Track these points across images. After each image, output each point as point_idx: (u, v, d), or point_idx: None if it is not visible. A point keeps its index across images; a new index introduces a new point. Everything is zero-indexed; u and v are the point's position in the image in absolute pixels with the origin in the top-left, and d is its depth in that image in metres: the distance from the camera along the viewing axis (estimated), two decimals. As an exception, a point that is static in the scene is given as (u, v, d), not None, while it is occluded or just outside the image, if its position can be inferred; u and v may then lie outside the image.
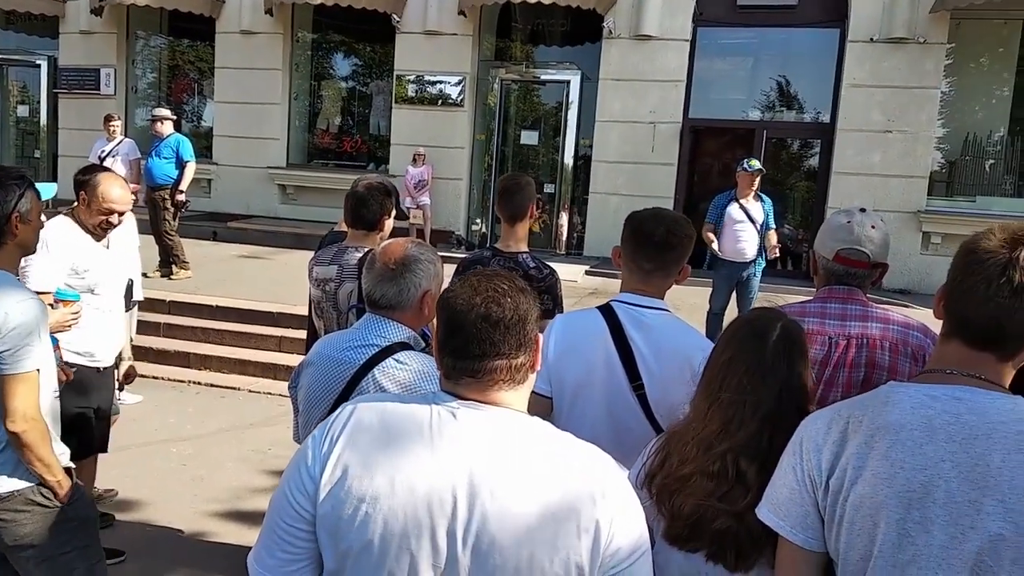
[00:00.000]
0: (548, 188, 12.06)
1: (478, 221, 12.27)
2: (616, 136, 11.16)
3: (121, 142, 9.01)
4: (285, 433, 2.06)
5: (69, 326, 3.01)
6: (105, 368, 3.48)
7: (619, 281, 2.27)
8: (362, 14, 11.54)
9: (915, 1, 9.96)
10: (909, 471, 1.24)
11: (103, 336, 3.38)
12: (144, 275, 8.12)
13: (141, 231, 6.85)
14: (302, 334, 5.54)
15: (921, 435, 1.25)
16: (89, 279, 3.24)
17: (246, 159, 12.67)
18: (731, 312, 6.87)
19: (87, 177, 3.26)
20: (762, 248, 7.00)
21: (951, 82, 10.58)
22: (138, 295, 5.37)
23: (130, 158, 8.93)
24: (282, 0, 11.73)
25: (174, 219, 8.57)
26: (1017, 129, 10.70)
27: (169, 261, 8.59)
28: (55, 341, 2.54)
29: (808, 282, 2.23)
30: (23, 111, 14.77)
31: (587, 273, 10.18)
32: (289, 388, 2.12)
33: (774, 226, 7.13)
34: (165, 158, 8.47)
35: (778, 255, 7.34)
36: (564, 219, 12.02)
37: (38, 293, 2.39)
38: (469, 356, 1.26)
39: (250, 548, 1.38)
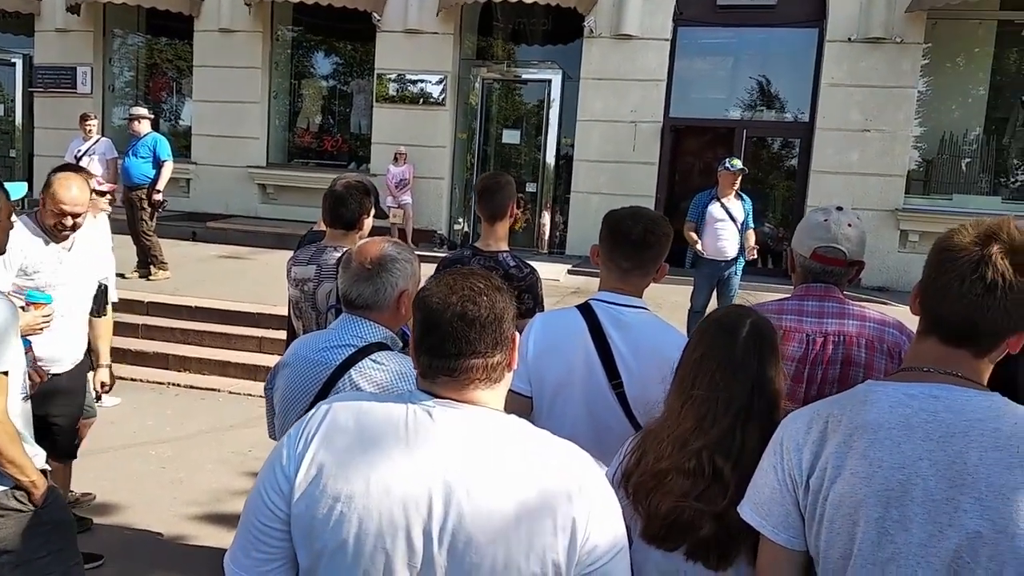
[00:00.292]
0: (530, 187, 12.06)
1: (460, 220, 12.26)
2: (597, 135, 11.18)
3: (98, 141, 8.92)
4: (265, 435, 2.04)
5: (41, 329, 2.97)
6: (61, 373, 3.36)
7: (600, 280, 2.27)
8: (342, 12, 11.48)
9: (892, 1, 10.06)
10: (887, 470, 1.24)
11: (56, 341, 3.24)
12: (122, 276, 8.11)
13: (118, 231, 6.81)
14: (282, 335, 5.50)
15: (899, 434, 1.26)
16: (38, 280, 3.16)
17: (225, 158, 12.56)
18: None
19: (48, 177, 3.22)
20: (742, 247, 7.04)
21: (928, 82, 10.70)
22: (113, 297, 5.30)
23: (107, 157, 8.83)
24: (261, -2, 11.66)
25: (151, 219, 8.48)
26: (992, 128, 10.84)
27: (147, 262, 8.50)
28: (27, 343, 2.51)
29: (788, 280, 2.24)
30: (-2, 110, 14.59)
31: (569, 272, 10.19)
32: (265, 389, 2.11)
33: (753, 225, 7.18)
34: (142, 157, 8.39)
35: (756, 256, 7.39)
36: (546, 218, 12.03)
37: None
38: (445, 355, 1.26)
39: (230, 550, 1.37)
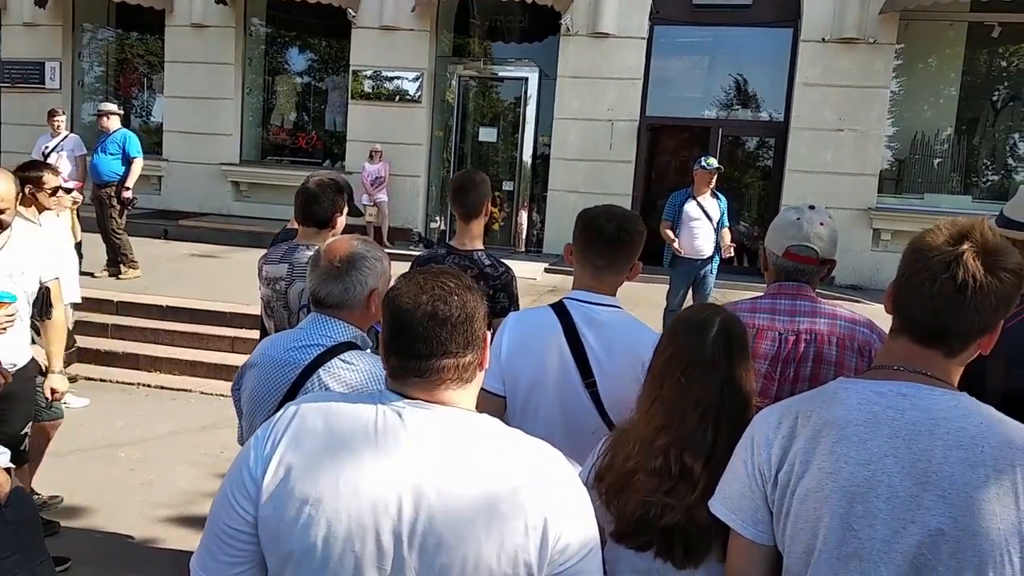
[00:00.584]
0: (507, 186, 12.05)
1: (437, 219, 12.21)
2: (574, 134, 11.19)
3: (66, 138, 8.76)
4: (237, 435, 2.03)
5: (4, 329, 2.89)
6: None
7: (578, 279, 2.25)
8: (317, 8, 11.39)
9: (865, 2, 10.17)
10: (853, 465, 1.25)
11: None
12: (91, 275, 8.00)
13: (88, 229, 6.71)
14: (255, 334, 5.43)
15: (866, 430, 1.26)
16: None
17: (198, 155, 12.42)
18: (688, 309, 6.93)
19: None
20: (718, 245, 7.08)
21: (900, 82, 10.84)
22: (74, 297, 5.21)
23: (75, 154, 8.68)
24: (234, -7, 11.54)
25: (121, 217, 8.35)
26: (963, 128, 11.01)
27: (117, 260, 8.37)
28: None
29: (763, 279, 2.25)
30: (-36, 106, 14.29)
31: (546, 271, 10.20)
32: (232, 390, 2.07)
33: (729, 224, 7.22)
34: (111, 154, 8.25)
35: (732, 254, 7.43)
36: (523, 217, 12.03)
37: None
38: (416, 355, 1.24)
39: (201, 553, 1.34)
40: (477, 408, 1.33)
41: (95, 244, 8.17)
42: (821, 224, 2.10)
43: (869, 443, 1.25)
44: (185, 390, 6.29)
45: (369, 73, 11.80)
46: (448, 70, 12.04)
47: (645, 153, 11.36)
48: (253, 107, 13.02)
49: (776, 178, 11.04)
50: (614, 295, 2.17)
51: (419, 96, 11.71)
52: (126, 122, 9.61)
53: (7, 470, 2.27)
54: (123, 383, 6.38)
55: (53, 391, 3.55)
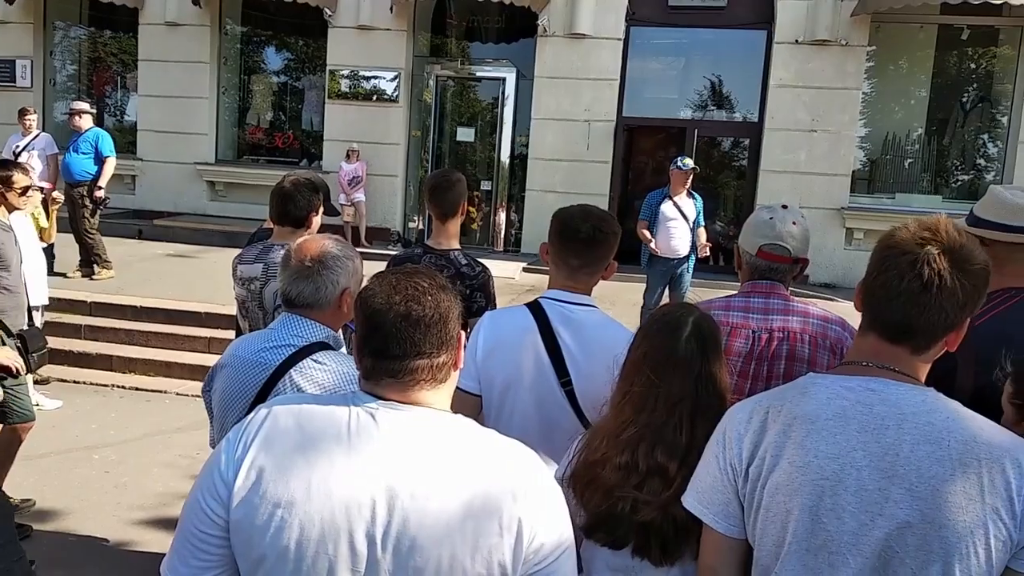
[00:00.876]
0: (485, 185, 12.05)
1: (415, 218, 12.18)
2: (552, 134, 11.21)
3: (37, 136, 8.63)
4: (213, 437, 2.02)
5: None
6: None
7: (557, 278, 2.26)
8: (293, 7, 11.32)
9: (837, 5, 10.29)
10: (823, 459, 1.27)
11: None
12: (63, 275, 7.89)
13: (61, 230, 6.60)
14: (231, 335, 5.39)
15: (835, 425, 1.28)
16: None
17: (173, 155, 12.28)
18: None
19: None
20: (694, 244, 7.14)
21: (872, 83, 10.98)
22: (41, 299, 5.15)
23: (47, 153, 8.55)
24: (209, -9, 11.43)
25: (94, 217, 8.24)
26: (933, 129, 11.18)
27: (90, 261, 8.26)
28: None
29: (738, 277, 2.28)
30: (-69, 104, 14.01)
31: (524, 270, 10.22)
32: (203, 392, 2.05)
33: (704, 223, 7.28)
34: (84, 153, 8.14)
35: (708, 253, 7.50)
36: (501, 217, 12.03)
37: None
38: (389, 356, 1.24)
39: (176, 556, 1.33)
40: (452, 408, 1.33)
41: (68, 244, 8.06)
42: (794, 223, 2.13)
43: (838, 437, 1.27)
44: (160, 391, 6.23)
45: (346, 72, 11.75)
46: (425, 70, 12.01)
47: (622, 153, 11.41)
48: (229, 106, 12.91)
49: (751, 178, 11.15)
50: (590, 294, 2.19)
51: (396, 96, 11.67)
52: (100, 121, 9.51)
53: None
54: (97, 385, 6.30)
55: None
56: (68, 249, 8.11)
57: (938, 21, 10.63)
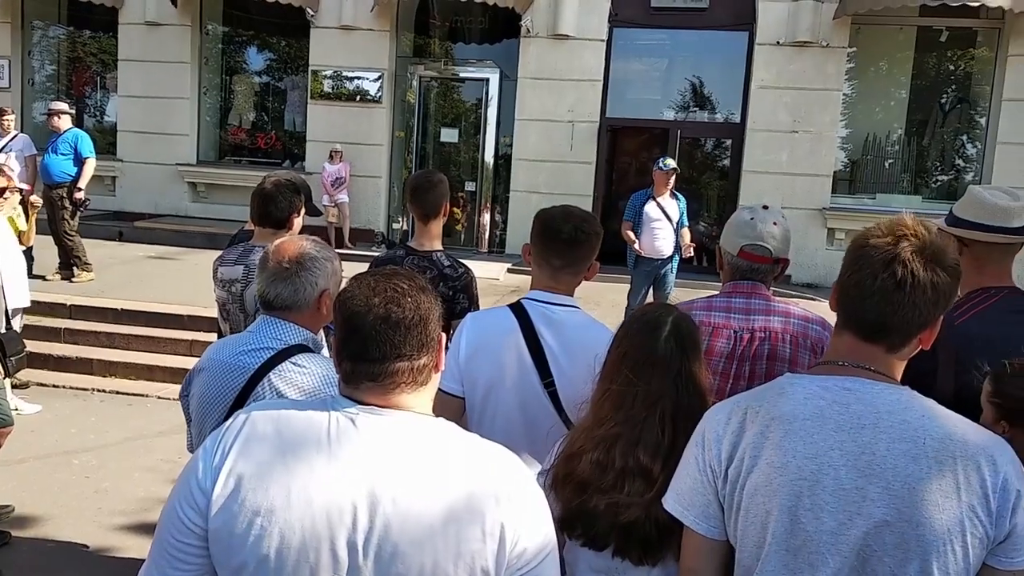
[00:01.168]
0: (469, 186, 12.04)
1: (399, 219, 12.14)
2: (535, 135, 11.22)
3: (15, 137, 8.53)
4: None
5: None
6: None
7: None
8: (275, 7, 11.25)
9: (818, 7, 10.36)
10: (800, 459, 1.27)
11: None
12: (42, 278, 7.80)
13: (40, 232, 6.54)
14: (213, 337, 5.36)
15: (812, 425, 1.29)
16: None
17: (153, 156, 12.17)
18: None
19: None
20: (678, 245, 7.18)
21: (852, 85, 11.07)
22: (23, 301, 5.09)
23: (25, 154, 8.46)
24: (189, -9, 11.34)
25: (74, 218, 8.15)
26: (913, 130, 11.30)
27: (70, 263, 8.17)
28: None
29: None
30: (-93, 104, 13.81)
31: (509, 271, 10.22)
32: (180, 396, 2.03)
33: (688, 224, 7.32)
34: (63, 154, 8.05)
35: (692, 254, 7.53)
36: (486, 217, 12.02)
37: None
38: (369, 359, 1.22)
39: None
40: (435, 410, 1.32)
41: (47, 247, 7.97)
42: (775, 224, 2.14)
43: (815, 437, 1.28)
44: (141, 395, 6.17)
45: (329, 73, 11.70)
46: (409, 70, 11.98)
47: (606, 154, 11.43)
48: (210, 107, 12.81)
49: (733, 179, 11.21)
50: (572, 295, 2.19)
51: (380, 96, 11.64)
52: (79, 122, 9.40)
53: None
54: (77, 388, 6.23)
55: None
56: (47, 251, 8.02)
57: (917, 23, 10.74)
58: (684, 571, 1.43)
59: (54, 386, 6.20)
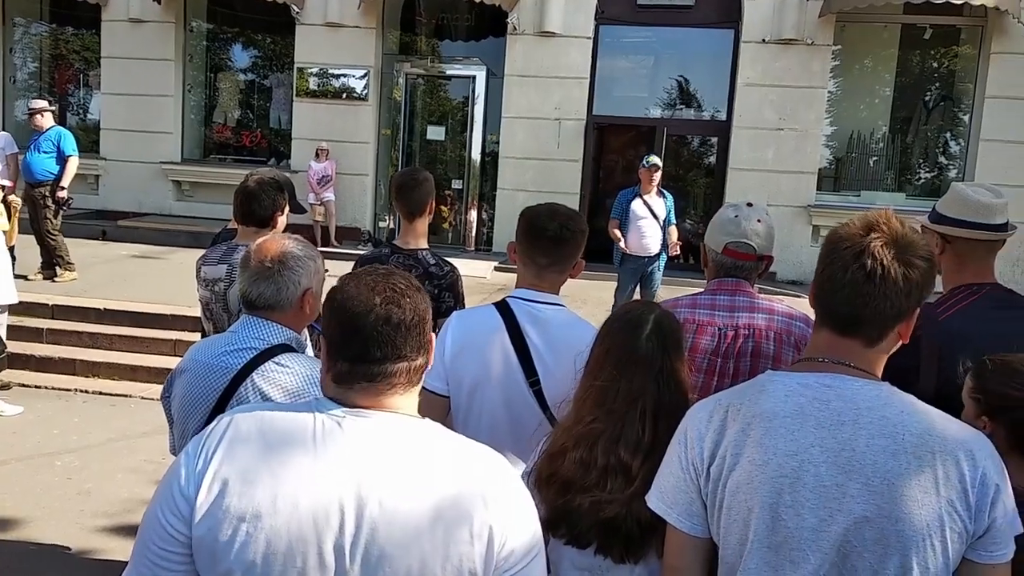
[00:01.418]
0: (456, 184, 12.02)
1: (386, 217, 12.10)
2: (522, 132, 11.22)
3: (-4, 135, 8.43)
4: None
5: None
6: None
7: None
8: (260, 4, 11.20)
9: (803, 4, 10.41)
10: (781, 457, 1.27)
11: None
12: (24, 278, 7.72)
13: (22, 231, 6.47)
14: (198, 337, 5.33)
15: (793, 422, 1.29)
16: None
17: (137, 154, 12.08)
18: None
19: None
20: (665, 243, 7.20)
21: (837, 82, 11.13)
22: (10, 298, 5.03)
23: (7, 153, 8.35)
24: (173, -12, 11.25)
25: (56, 217, 8.07)
26: (897, 127, 11.38)
27: (52, 263, 8.09)
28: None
29: (707, 275, 2.29)
30: None
31: (496, 269, 10.21)
32: (162, 398, 2.01)
33: (675, 221, 7.33)
34: (45, 152, 7.97)
35: (679, 252, 7.54)
36: (473, 215, 12.00)
37: None
38: (369, 360, 1.21)
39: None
40: (421, 409, 1.31)
41: (29, 246, 7.89)
42: (758, 221, 2.14)
43: (796, 434, 1.28)
44: (125, 395, 6.12)
45: (315, 70, 11.64)
46: (395, 68, 11.94)
47: (592, 152, 11.45)
48: (195, 104, 12.72)
49: (719, 176, 11.25)
50: (557, 293, 2.18)
51: (366, 94, 11.60)
52: (61, 120, 9.30)
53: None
54: (59, 389, 6.17)
55: None
56: (29, 251, 7.94)
57: (901, 21, 10.81)
58: (667, 569, 1.43)
59: (36, 387, 6.13)
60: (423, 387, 1.38)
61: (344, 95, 11.65)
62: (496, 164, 11.57)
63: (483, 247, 11.87)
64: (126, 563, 1.26)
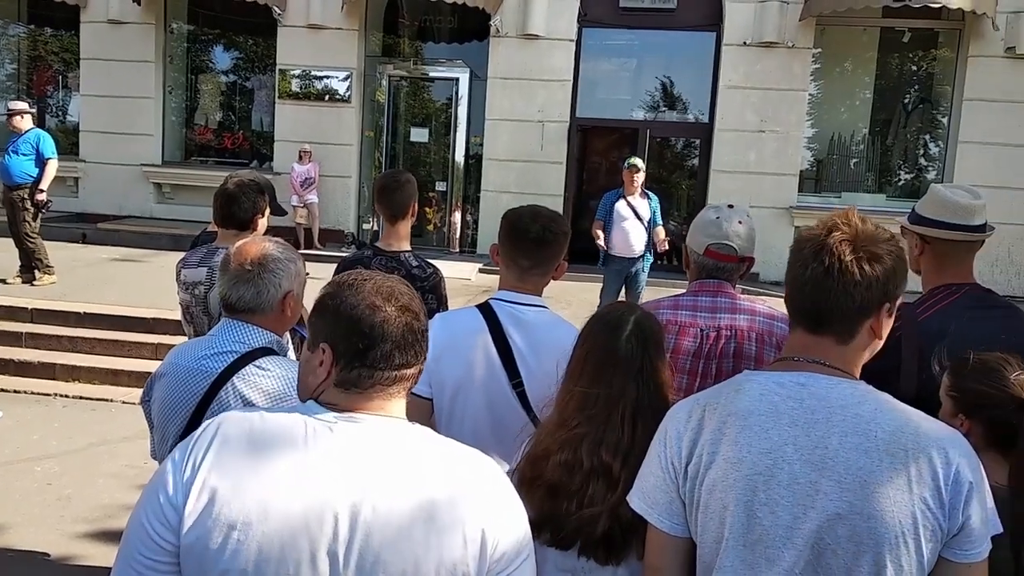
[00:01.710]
0: (440, 186, 12.00)
1: (369, 219, 12.07)
2: (506, 134, 11.22)
3: (-27, 138, 8.32)
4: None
5: None
6: None
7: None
8: (241, 5, 11.13)
9: (784, 8, 10.49)
10: (756, 455, 1.28)
11: None
12: (3, 282, 7.64)
13: (0, 234, 6.39)
14: (180, 340, 5.29)
15: (767, 420, 1.30)
16: None
17: (117, 156, 11.97)
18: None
19: None
20: (650, 244, 7.23)
21: (818, 85, 11.23)
22: None
23: (-16, 155, 8.25)
24: (153, -11, 11.17)
25: (35, 220, 7.98)
26: (877, 129, 11.49)
27: (31, 266, 8.00)
28: None
29: (692, 277, 2.30)
30: None
31: (480, 271, 10.20)
32: (142, 402, 1.99)
33: (661, 222, 7.37)
34: (24, 155, 7.89)
35: (667, 247, 7.54)
36: (457, 217, 11.99)
37: None
38: (392, 366, 1.23)
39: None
40: (405, 413, 1.31)
41: (7, 249, 7.80)
42: (740, 222, 2.16)
43: (770, 432, 1.29)
44: (106, 400, 6.06)
45: (297, 72, 11.59)
46: (378, 70, 11.92)
47: (576, 154, 11.47)
48: (175, 106, 12.63)
49: (702, 178, 11.30)
50: (540, 295, 2.18)
51: (349, 96, 11.56)
52: (40, 122, 9.20)
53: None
54: (39, 394, 6.10)
55: None
56: (8, 254, 7.86)
57: (880, 24, 10.93)
58: (648, 569, 1.43)
59: (15, 392, 6.07)
60: None
61: (327, 97, 11.60)
62: (480, 166, 11.57)
63: (468, 249, 11.86)
64: (107, 569, 1.24)
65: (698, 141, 11.62)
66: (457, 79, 11.77)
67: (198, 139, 12.89)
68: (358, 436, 1.20)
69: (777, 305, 2.28)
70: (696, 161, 11.83)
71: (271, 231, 2.77)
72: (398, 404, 1.27)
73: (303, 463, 1.17)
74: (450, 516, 1.17)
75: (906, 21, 10.64)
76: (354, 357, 1.23)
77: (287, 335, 2.15)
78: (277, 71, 11.69)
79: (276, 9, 11.25)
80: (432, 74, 12.20)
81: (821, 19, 10.41)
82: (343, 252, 9.67)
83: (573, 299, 7.52)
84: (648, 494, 1.41)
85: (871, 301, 1.32)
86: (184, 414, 1.78)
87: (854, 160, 11.55)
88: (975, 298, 2.09)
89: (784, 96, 10.68)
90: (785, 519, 1.26)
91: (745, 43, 10.62)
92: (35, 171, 7.94)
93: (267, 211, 2.85)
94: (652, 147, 11.27)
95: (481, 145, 11.55)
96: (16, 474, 4.66)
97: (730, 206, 2.22)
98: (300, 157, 10.99)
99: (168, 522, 1.16)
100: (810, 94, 10.95)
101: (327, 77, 11.55)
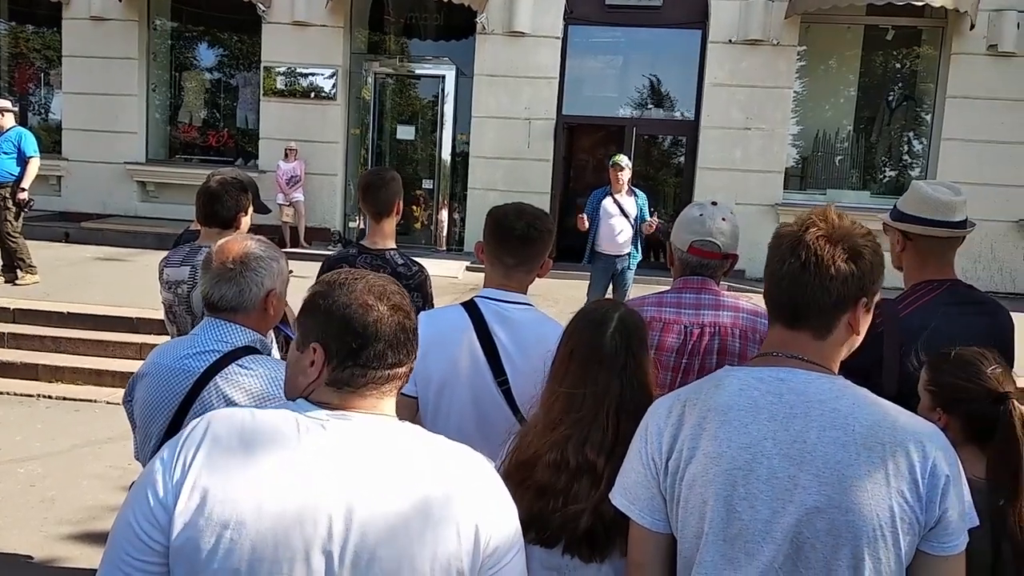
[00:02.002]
0: (427, 184, 11.98)
1: (356, 218, 12.03)
2: (492, 132, 11.21)
3: (-46, 136, 8.22)
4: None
5: None
6: None
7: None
8: (225, 2, 11.09)
9: (769, 5, 10.54)
10: (735, 449, 1.29)
11: None
12: (-18, 281, 7.56)
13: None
14: (164, 340, 5.26)
15: (746, 415, 1.31)
16: None
17: (100, 154, 11.87)
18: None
19: None
20: (636, 241, 7.25)
21: (803, 82, 11.29)
22: None
23: (-35, 153, 8.16)
24: (136, -15, 11.08)
25: (17, 219, 7.91)
26: (862, 127, 11.57)
27: (13, 266, 7.93)
28: None
29: (678, 274, 2.32)
30: None
31: (467, 269, 10.19)
32: (124, 402, 1.97)
33: (648, 219, 7.38)
34: (6, 153, 7.81)
35: (654, 229, 7.47)
36: (444, 215, 11.97)
37: None
38: (387, 365, 1.24)
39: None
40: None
41: (-12, 248, 7.72)
42: (723, 220, 2.17)
43: (749, 427, 1.30)
44: (89, 400, 6.01)
45: (282, 70, 11.53)
46: (364, 67, 11.87)
47: (563, 151, 11.49)
48: (159, 104, 12.54)
49: (688, 175, 11.34)
50: (525, 292, 2.19)
51: (334, 93, 11.51)
52: (22, 120, 9.10)
53: None
54: (22, 395, 6.04)
55: None
56: (-11, 253, 7.77)
57: (864, 22, 11.00)
58: (631, 565, 1.44)
59: (-3, 393, 6.01)
60: None
61: (312, 94, 11.55)
62: (467, 164, 11.56)
63: (454, 247, 11.85)
64: (92, 571, 1.23)
65: (684, 138, 11.66)
66: (443, 76, 11.74)
67: (182, 137, 12.81)
68: (350, 433, 1.20)
69: (761, 302, 2.30)
70: (682, 158, 11.87)
71: (256, 229, 2.76)
72: (390, 402, 1.27)
73: (296, 461, 1.16)
74: (444, 512, 1.17)
75: (890, 19, 10.71)
76: (347, 356, 1.23)
77: (271, 334, 2.14)
78: (262, 68, 11.63)
79: (261, 6, 11.19)
80: (418, 71, 12.17)
81: (806, 17, 10.47)
82: (329, 250, 9.63)
83: (560, 297, 7.53)
84: (629, 490, 1.42)
85: (847, 296, 1.33)
86: (167, 414, 1.77)
87: (839, 157, 11.62)
88: (956, 294, 2.11)
89: (769, 93, 10.73)
90: (764, 513, 1.26)
91: (730, 41, 10.66)
92: (17, 170, 7.86)
93: (250, 209, 2.84)
94: (638, 144, 11.30)
95: (467, 143, 11.53)
96: (-2, 476, 4.63)
97: (714, 203, 2.23)
98: (286, 155, 10.94)
99: (158, 523, 1.14)
100: (795, 91, 11.00)
101: (312, 74, 11.49)
